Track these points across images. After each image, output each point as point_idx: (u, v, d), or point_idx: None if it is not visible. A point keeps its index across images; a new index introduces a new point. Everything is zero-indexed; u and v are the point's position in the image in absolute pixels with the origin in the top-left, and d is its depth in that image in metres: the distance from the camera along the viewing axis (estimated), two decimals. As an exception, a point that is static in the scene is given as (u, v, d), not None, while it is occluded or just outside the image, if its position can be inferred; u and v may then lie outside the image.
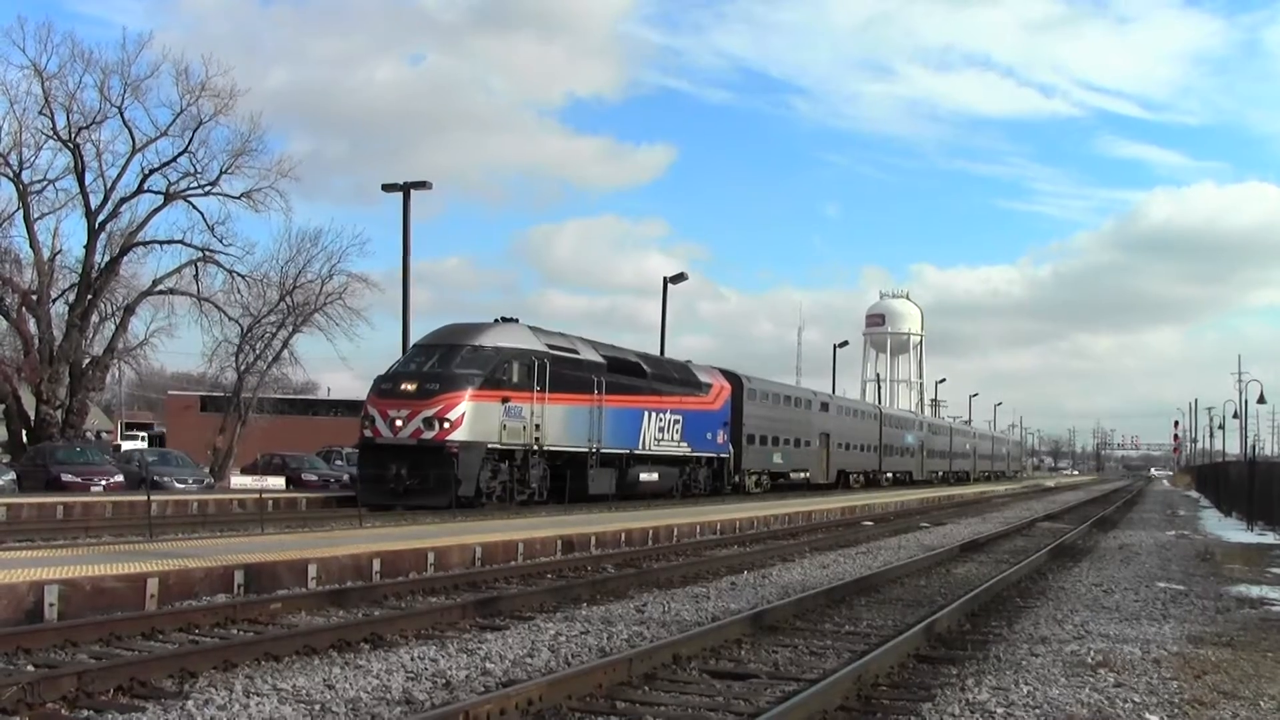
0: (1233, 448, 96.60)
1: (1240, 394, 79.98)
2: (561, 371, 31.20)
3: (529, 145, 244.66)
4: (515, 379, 29.46)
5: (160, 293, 47.66)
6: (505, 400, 28.82)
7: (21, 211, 44.44)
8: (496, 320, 31.72)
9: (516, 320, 31.98)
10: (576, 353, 33.00)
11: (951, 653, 10.12)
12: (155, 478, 32.63)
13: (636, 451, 35.58)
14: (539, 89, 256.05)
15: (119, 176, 46.06)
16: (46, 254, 45.22)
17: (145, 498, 22.41)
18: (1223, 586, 16.35)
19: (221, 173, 46.64)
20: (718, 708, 7.88)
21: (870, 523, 30.23)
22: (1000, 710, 7.82)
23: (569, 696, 7.71)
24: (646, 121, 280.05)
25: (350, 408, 59.80)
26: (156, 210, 46.78)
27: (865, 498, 43.08)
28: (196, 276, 47.79)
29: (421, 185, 38.59)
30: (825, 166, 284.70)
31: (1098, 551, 22.31)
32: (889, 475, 66.20)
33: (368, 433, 28.59)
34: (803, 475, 51.29)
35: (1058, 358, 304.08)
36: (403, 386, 28.52)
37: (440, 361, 29.34)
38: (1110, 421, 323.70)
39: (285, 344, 50.27)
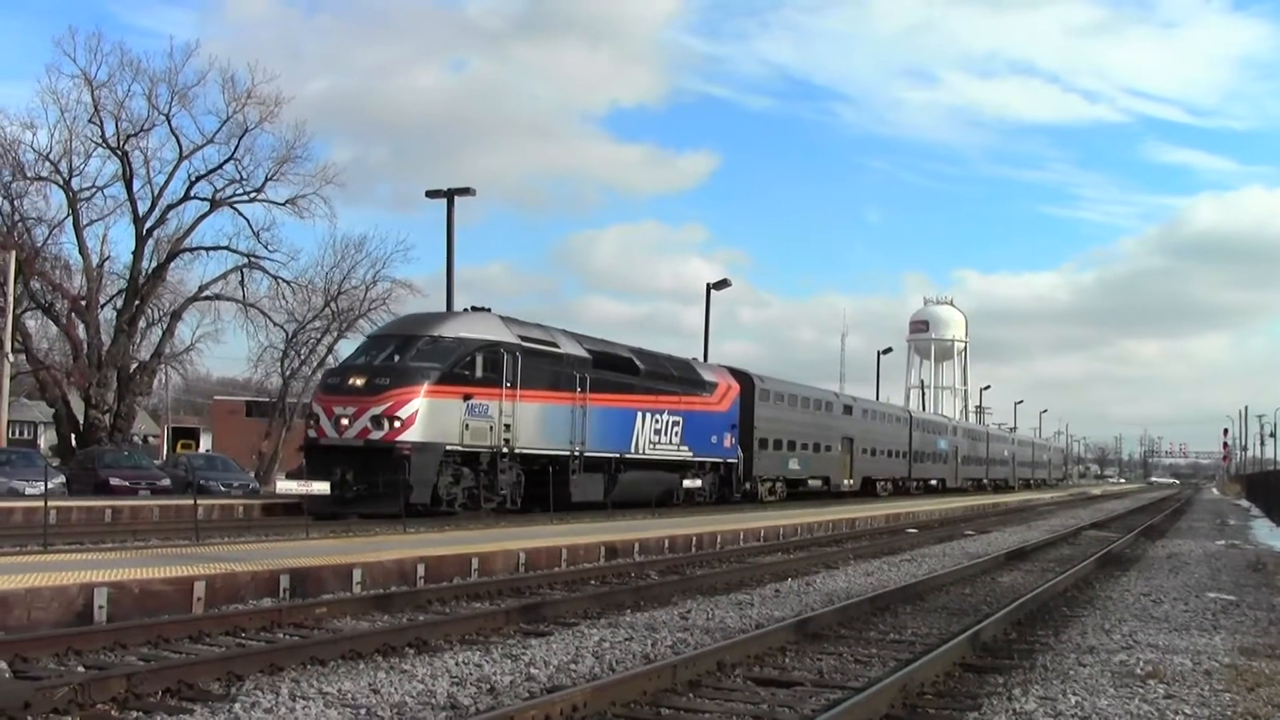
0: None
1: (1291, 401, 78.98)
2: (537, 366, 28.46)
3: (572, 152, 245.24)
4: (480, 373, 26.63)
5: (206, 298, 48.30)
6: (468, 397, 26.09)
7: (71, 218, 45.17)
8: (466, 309, 29.80)
9: (488, 309, 29.61)
10: (556, 346, 29.95)
11: (998, 662, 10.03)
12: (201, 482, 32.89)
13: (628, 455, 32.56)
14: (583, 96, 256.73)
15: (166, 183, 46.76)
16: (95, 260, 45.98)
17: (192, 502, 22.60)
18: (1275, 597, 16.11)
19: (267, 179, 47.30)
20: (763, 715, 7.85)
21: (914, 530, 30.07)
22: (1048, 720, 7.75)
23: (613, 703, 7.70)
24: (689, 128, 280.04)
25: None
26: (203, 217, 47.49)
27: (906, 505, 42.48)
28: (242, 282, 48.47)
29: (465, 191, 38.18)
30: (868, 173, 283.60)
31: (1145, 560, 22.08)
32: (921, 482, 63.54)
33: (312, 433, 25.93)
34: (823, 483, 48.34)
35: (1103, 364, 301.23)
36: (350, 381, 25.82)
37: (394, 354, 26.54)
38: (1157, 429, 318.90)
39: (330, 349, 50.84)
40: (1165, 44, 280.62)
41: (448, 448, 25.69)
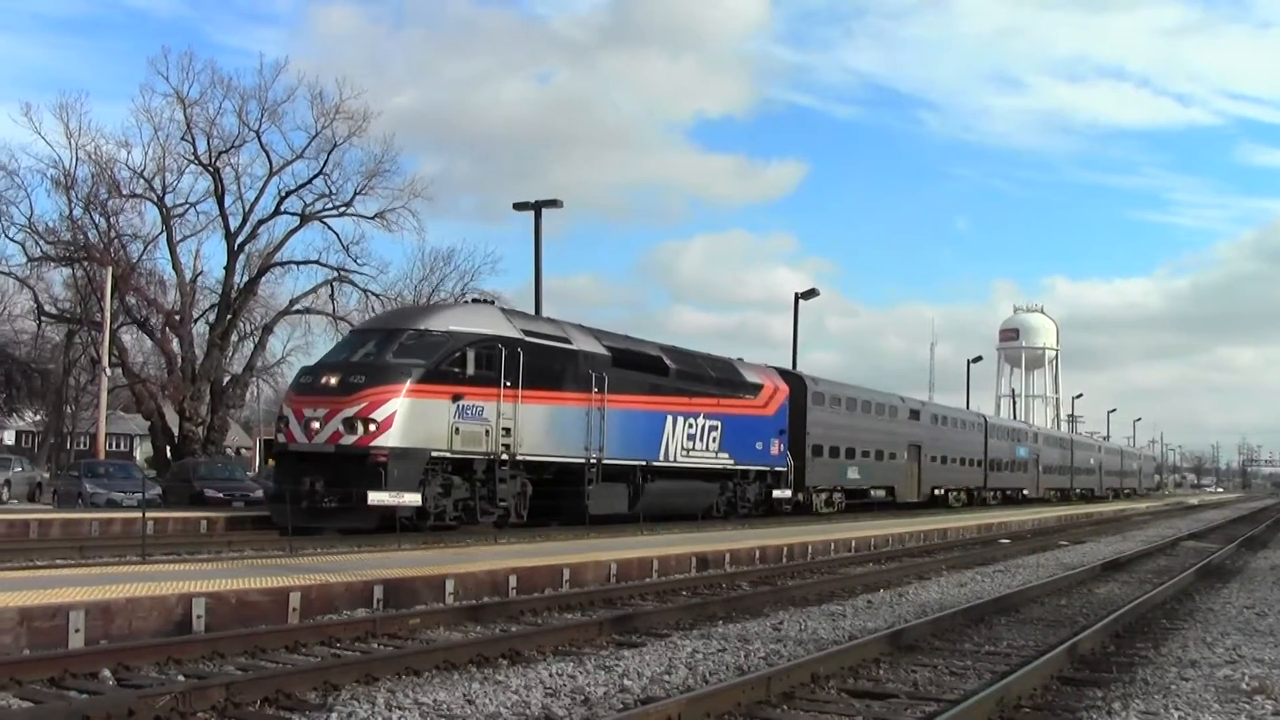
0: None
1: (1395, 408, 76.95)
2: (544, 363, 25.59)
3: (657, 162, 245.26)
4: (473, 371, 23.76)
5: (297, 312, 49.10)
6: (458, 397, 23.25)
7: (165, 234, 46.23)
8: (466, 301, 28.01)
9: (491, 302, 27.57)
10: (567, 341, 26.99)
11: (1096, 675, 9.85)
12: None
13: (656, 463, 29.55)
14: (668, 106, 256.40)
15: (257, 199, 47.67)
16: (188, 275, 47.10)
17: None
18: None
19: (355, 194, 47.97)
20: (858, 728, 7.78)
21: (1007, 540, 29.68)
22: (1152, 736, 7.58)
23: (707, 714, 7.66)
24: (777, 137, 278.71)
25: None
26: (293, 231, 48.30)
27: (993, 515, 41.71)
28: (332, 296, 49.19)
29: (553, 204, 37.71)
30: (955, 180, 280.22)
31: (1247, 572, 21.56)
32: (998, 492, 59.87)
33: (281, 437, 23.39)
34: (888, 493, 45.36)
35: (1198, 371, 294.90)
36: (323, 380, 23.05)
37: (375, 350, 23.92)
38: (1256, 437, 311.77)
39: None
40: (1261, 43, 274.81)
41: (434, 454, 22.99)
